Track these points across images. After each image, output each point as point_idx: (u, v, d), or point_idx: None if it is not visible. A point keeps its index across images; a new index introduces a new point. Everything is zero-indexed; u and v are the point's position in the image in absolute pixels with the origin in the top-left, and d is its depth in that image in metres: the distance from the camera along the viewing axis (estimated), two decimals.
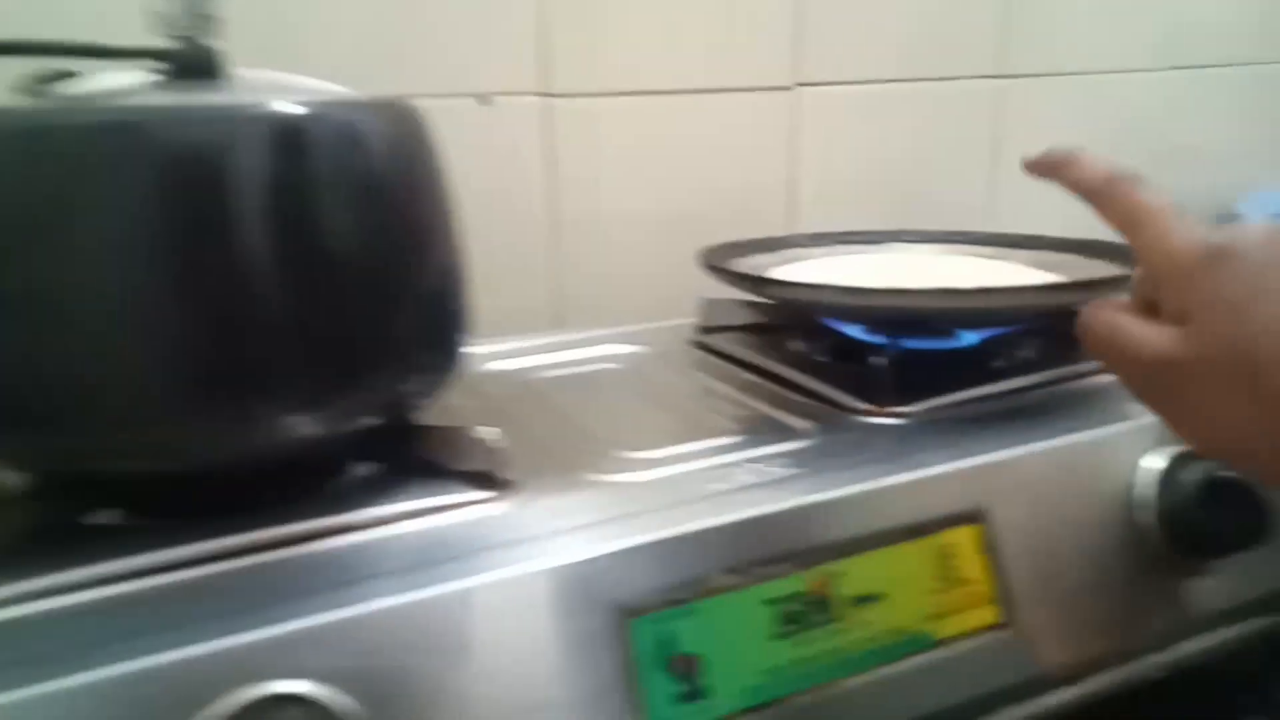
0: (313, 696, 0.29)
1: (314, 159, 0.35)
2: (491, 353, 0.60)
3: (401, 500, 0.37)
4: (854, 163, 0.83)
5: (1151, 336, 0.30)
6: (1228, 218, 0.96)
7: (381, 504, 0.36)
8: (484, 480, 0.38)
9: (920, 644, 0.37)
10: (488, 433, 0.38)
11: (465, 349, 0.42)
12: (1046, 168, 0.36)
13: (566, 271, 0.74)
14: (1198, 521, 0.40)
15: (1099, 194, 0.33)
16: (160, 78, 0.36)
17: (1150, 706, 0.44)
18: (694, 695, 0.33)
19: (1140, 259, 0.32)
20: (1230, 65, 0.97)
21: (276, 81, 0.38)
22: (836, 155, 0.82)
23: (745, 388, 0.52)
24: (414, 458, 0.40)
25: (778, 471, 0.39)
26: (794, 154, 0.80)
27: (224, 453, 0.36)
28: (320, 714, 0.29)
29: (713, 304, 0.63)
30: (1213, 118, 0.97)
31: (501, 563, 0.33)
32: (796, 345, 0.59)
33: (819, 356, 0.57)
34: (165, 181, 0.33)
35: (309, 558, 0.34)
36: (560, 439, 0.45)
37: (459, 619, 0.32)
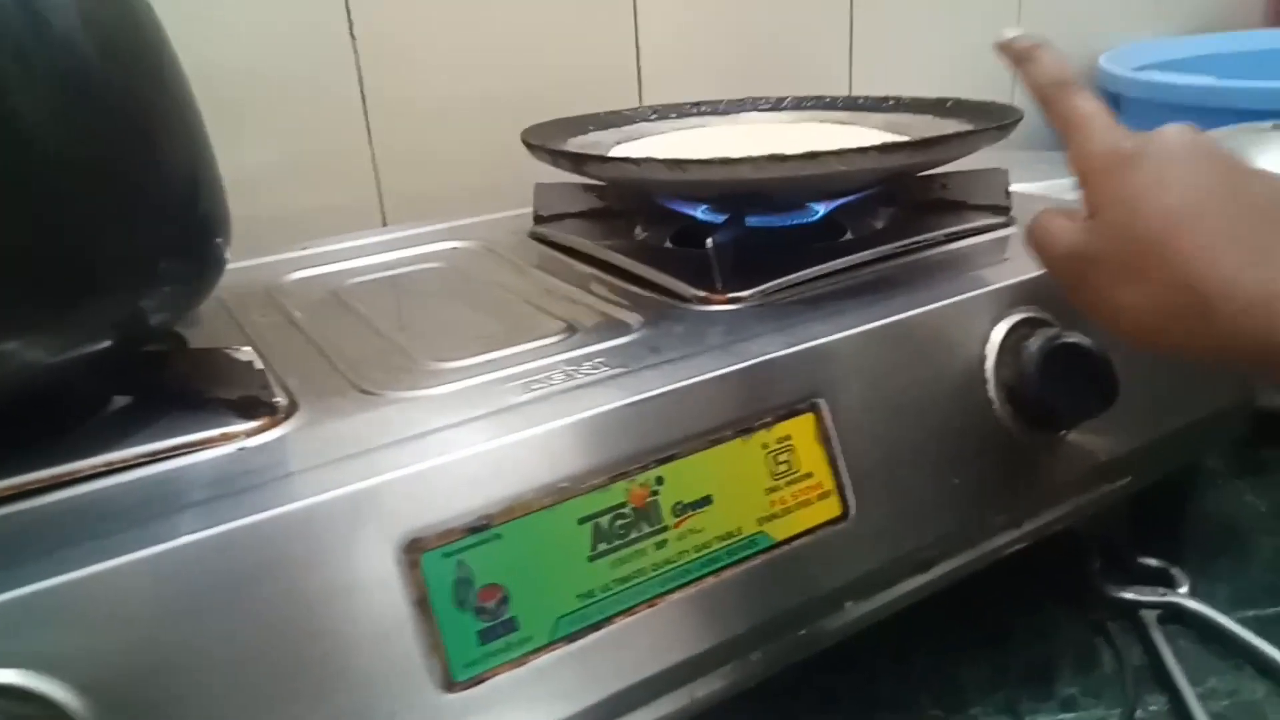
0: (19, 685, 0.24)
1: None
2: (298, 259, 0.54)
3: (147, 439, 0.31)
4: (703, 29, 0.77)
5: (1065, 232, 0.34)
6: (1090, 73, 0.95)
7: (123, 445, 0.31)
8: (248, 407, 0.33)
9: (756, 546, 0.34)
10: (246, 352, 0.33)
11: (221, 256, 0.36)
12: (1011, 55, 0.38)
13: (388, 164, 0.67)
14: (1040, 392, 0.38)
15: (1045, 96, 0.36)
16: None
17: (1003, 579, 0.43)
18: (501, 630, 0.29)
19: (1070, 161, 0.35)
20: None
21: None
22: (683, 22, 0.76)
23: (578, 281, 0.48)
24: (169, 386, 0.34)
25: (596, 373, 0.35)
26: (636, 21, 0.74)
27: None
28: (37, 708, 0.24)
29: (548, 190, 0.57)
30: None
31: (264, 502, 0.28)
32: (640, 231, 0.54)
33: (662, 242, 0.53)
34: None
35: (34, 515, 0.28)
36: (359, 352, 0.40)
37: (212, 572, 0.27)
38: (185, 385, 0.34)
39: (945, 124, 0.54)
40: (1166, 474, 0.47)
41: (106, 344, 0.32)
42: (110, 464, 0.30)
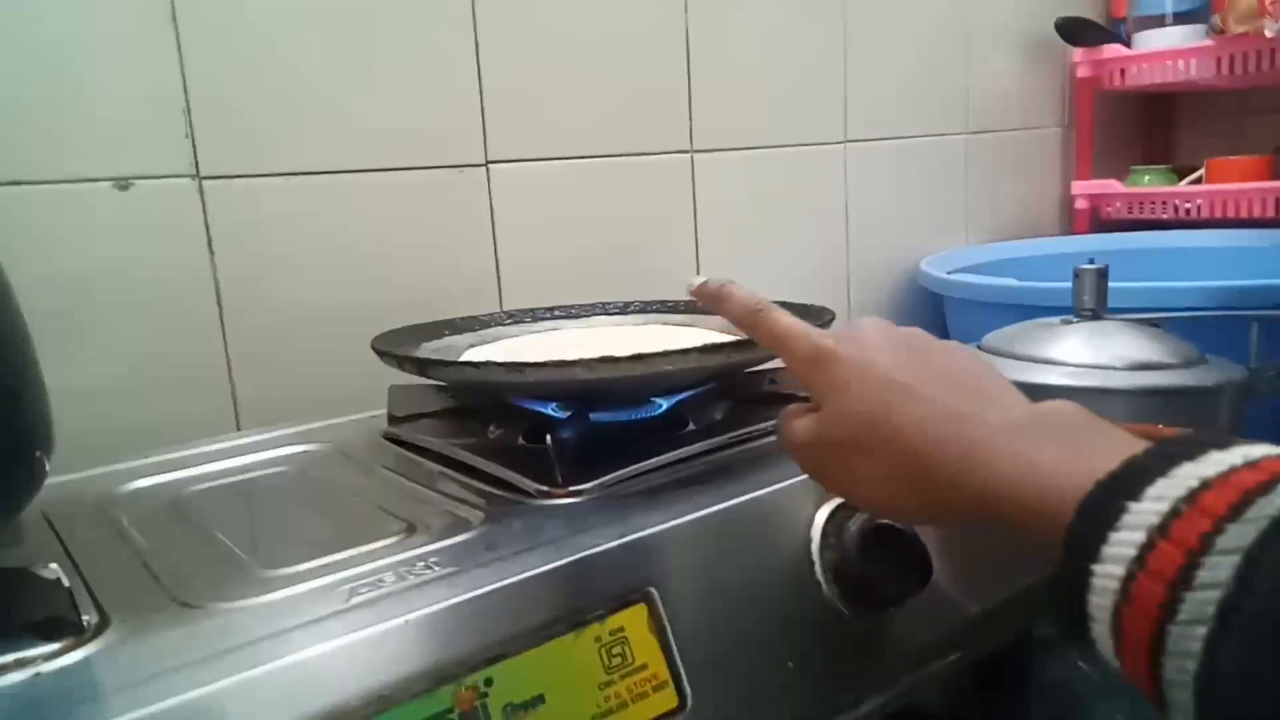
0: None
1: None
2: (141, 468, 0.52)
3: None
4: (557, 237, 0.83)
5: (801, 424, 0.36)
6: (914, 275, 1.05)
7: None
8: (51, 628, 0.31)
9: None
10: (51, 570, 0.32)
11: (40, 470, 0.35)
12: (705, 297, 0.42)
13: (244, 371, 0.67)
14: (860, 572, 0.40)
15: (747, 323, 0.40)
16: None
17: None
18: None
19: (786, 368, 0.38)
20: (908, 137, 1.07)
21: None
22: (538, 231, 0.81)
23: (426, 480, 0.48)
24: None
25: (429, 573, 0.35)
26: (494, 232, 0.79)
27: None
28: None
29: (401, 391, 0.59)
30: (886, 185, 1.06)
31: None
32: (493, 429, 0.56)
33: (515, 439, 0.54)
34: None
35: None
36: (185, 563, 0.39)
37: None
38: None
39: None
40: (999, 645, 0.49)
41: None
42: None
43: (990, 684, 0.51)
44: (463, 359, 0.54)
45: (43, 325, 0.57)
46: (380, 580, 0.35)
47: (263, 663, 0.29)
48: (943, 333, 1.01)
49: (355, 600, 0.33)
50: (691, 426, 0.54)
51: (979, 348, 0.71)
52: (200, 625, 0.33)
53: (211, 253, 0.65)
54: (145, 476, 0.51)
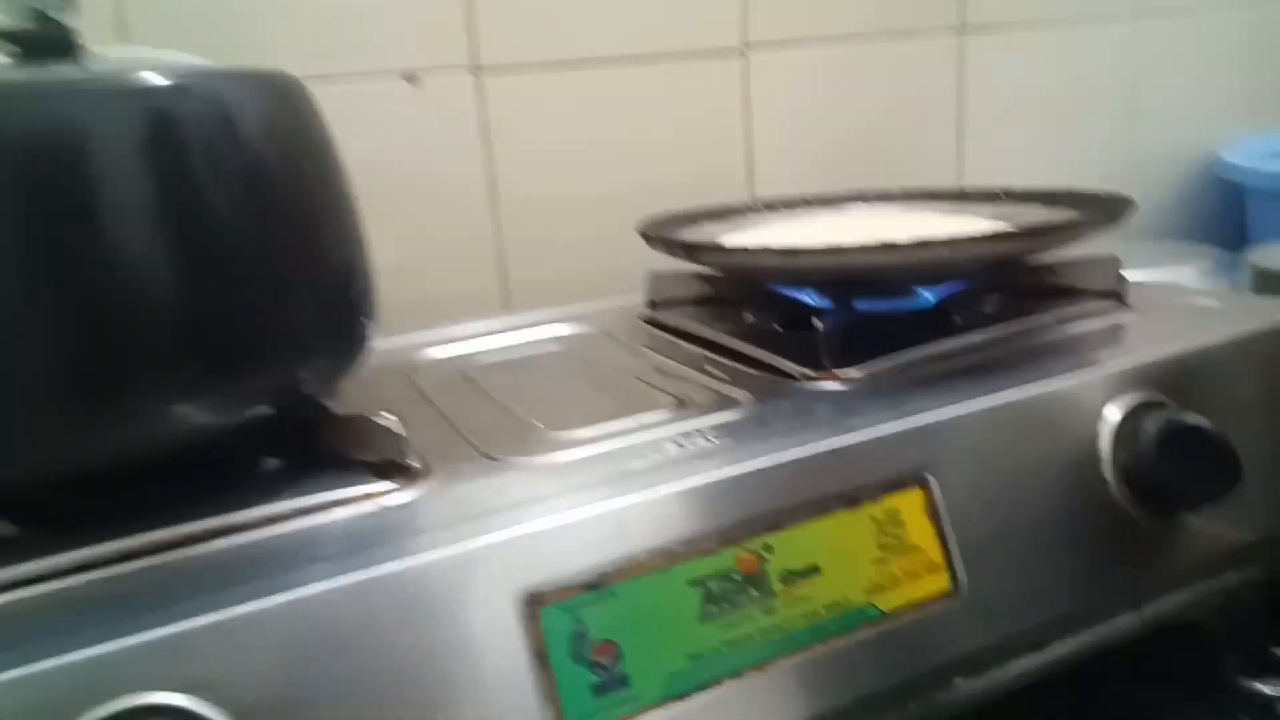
0: (184, 707, 0.27)
1: (181, 135, 0.33)
2: (428, 340, 0.58)
3: (297, 495, 0.34)
4: (814, 125, 0.80)
5: None
6: (1214, 166, 0.93)
7: (276, 500, 0.34)
8: (388, 469, 0.36)
9: (863, 617, 0.34)
10: (389, 420, 0.36)
11: (369, 335, 0.40)
12: None
13: (512, 254, 0.71)
14: (1159, 473, 0.38)
15: None
16: (10, 60, 0.34)
17: (1128, 669, 0.41)
18: (613, 684, 0.30)
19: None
20: (1199, 14, 0.94)
21: (140, 58, 0.35)
22: (794, 119, 0.79)
23: (690, 361, 0.50)
24: (318, 449, 0.37)
25: (708, 444, 0.37)
26: (747, 120, 0.78)
27: (107, 451, 0.33)
28: None
29: (660, 277, 0.60)
30: (1185, 68, 0.94)
31: (399, 553, 0.30)
32: (749, 316, 0.56)
33: (772, 325, 0.55)
34: (21, 164, 0.30)
35: (198, 560, 0.32)
36: (485, 423, 0.43)
37: (352, 616, 0.29)
38: (331, 449, 0.37)
39: (1054, 214, 0.55)
40: None
41: (265, 410, 0.36)
42: (262, 518, 0.33)
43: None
44: (721, 243, 0.54)
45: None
46: (662, 448, 0.37)
47: (567, 513, 0.32)
48: (1243, 233, 0.90)
49: (642, 463, 0.35)
50: (958, 321, 0.52)
51: None
52: (507, 476, 0.36)
53: (487, 143, 0.69)
54: (434, 346, 0.56)
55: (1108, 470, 0.39)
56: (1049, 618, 0.37)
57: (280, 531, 0.33)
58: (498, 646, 0.30)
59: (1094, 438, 0.40)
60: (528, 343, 0.57)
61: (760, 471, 0.34)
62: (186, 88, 0.33)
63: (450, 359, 0.55)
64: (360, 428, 0.37)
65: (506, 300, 0.72)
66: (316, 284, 0.37)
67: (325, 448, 0.38)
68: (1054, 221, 0.46)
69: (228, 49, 0.37)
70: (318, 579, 0.29)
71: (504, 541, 0.31)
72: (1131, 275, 0.73)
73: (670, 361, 0.50)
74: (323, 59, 0.63)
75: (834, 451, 0.35)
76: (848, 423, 0.37)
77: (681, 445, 0.37)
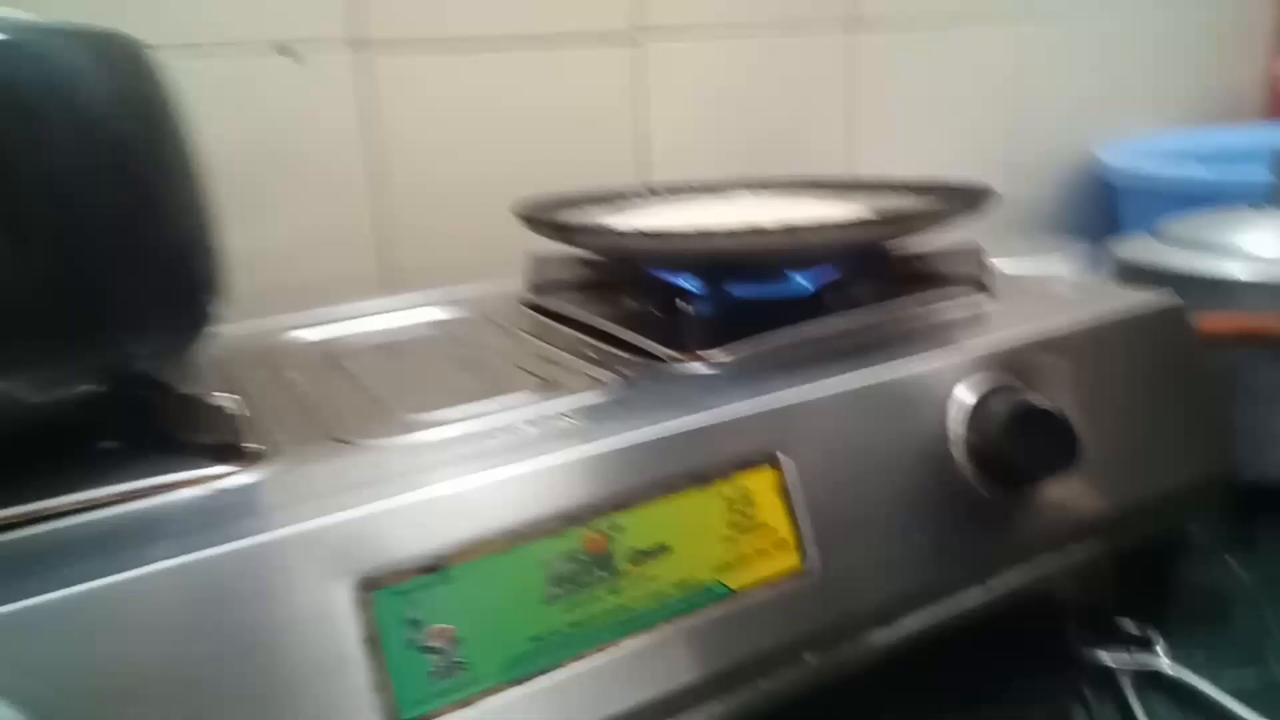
0: None
1: (3, 93, 0.31)
2: (298, 322, 0.56)
3: (126, 479, 0.32)
4: (708, 113, 0.81)
5: None
6: (1089, 164, 0.97)
7: (103, 484, 0.32)
8: (226, 452, 0.34)
9: (712, 595, 0.34)
10: (226, 399, 0.34)
11: (212, 313, 0.38)
12: None
13: (394, 237, 0.70)
14: (1004, 452, 0.39)
15: None
16: None
17: (977, 642, 0.42)
18: (449, 670, 0.30)
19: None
20: (1078, 20, 0.98)
21: None
22: (686, 106, 0.79)
23: (564, 345, 0.49)
24: (156, 432, 0.35)
25: (564, 425, 0.36)
26: (640, 106, 0.77)
27: None
28: None
29: (541, 261, 0.60)
30: (1065, 70, 0.97)
31: (223, 538, 0.29)
32: (629, 300, 0.56)
33: (650, 309, 0.54)
34: None
35: (7, 547, 0.30)
36: (340, 406, 0.41)
37: (172, 603, 0.28)
38: (168, 430, 0.36)
39: (924, 200, 0.56)
40: (1143, 541, 0.47)
41: (95, 388, 0.34)
42: (86, 502, 0.32)
43: (1129, 575, 0.49)
44: (591, 224, 0.54)
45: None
46: (518, 429, 0.36)
47: (407, 491, 0.31)
48: (1116, 228, 0.93)
49: (492, 444, 0.35)
50: (832, 303, 0.53)
51: (1154, 235, 0.66)
52: (354, 458, 0.35)
53: (368, 122, 0.67)
54: (302, 328, 0.55)
55: (957, 450, 0.40)
56: (897, 593, 0.38)
57: (102, 516, 0.31)
58: (329, 633, 0.29)
59: (945, 419, 0.40)
60: (401, 326, 0.56)
61: (611, 453, 0.34)
62: (10, 42, 0.31)
63: (318, 341, 0.53)
64: (197, 407, 0.35)
65: (388, 284, 0.70)
66: (153, 256, 0.35)
67: (163, 430, 0.36)
68: (913, 209, 0.46)
69: (82, 13, 0.34)
70: (134, 565, 0.28)
71: (336, 524, 0.30)
72: (1004, 265, 0.76)
73: (544, 345, 0.50)
74: (194, 27, 0.60)
75: (686, 432, 0.35)
76: (705, 402, 0.37)
77: (538, 426, 0.36)
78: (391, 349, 0.52)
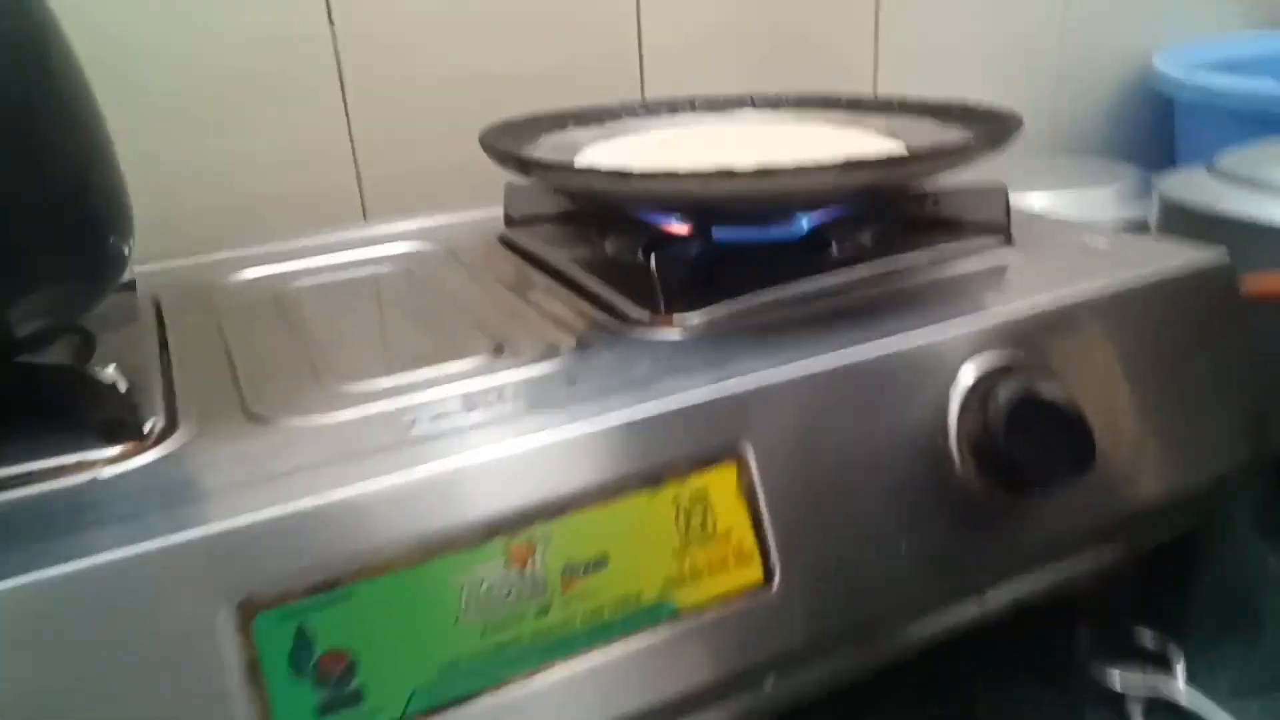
0: None
1: None
2: (252, 255, 0.51)
3: None
4: (715, 20, 0.73)
5: None
6: (1145, 73, 0.88)
7: None
8: (114, 430, 0.30)
9: (657, 615, 0.30)
10: (108, 375, 0.30)
11: (114, 258, 0.34)
12: None
13: (368, 150, 0.64)
14: (1005, 449, 0.34)
15: None
16: None
17: (976, 648, 0.39)
18: (342, 701, 0.26)
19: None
20: None
21: None
22: (692, 11, 0.72)
23: (530, 294, 0.45)
24: (38, 404, 0.32)
25: (499, 408, 0.32)
26: (639, 8, 0.70)
27: None
28: None
29: (519, 192, 0.54)
30: None
31: (81, 549, 0.25)
32: (610, 240, 0.50)
33: (633, 252, 0.49)
34: None
35: None
36: (269, 366, 0.37)
37: (25, 621, 0.24)
38: (56, 404, 0.32)
39: (945, 132, 0.49)
40: (1161, 543, 0.42)
41: None
42: None
43: (1149, 573, 0.44)
44: (576, 160, 0.48)
45: (159, 102, 0.56)
46: (445, 411, 0.32)
47: (305, 495, 0.27)
48: (1171, 150, 0.85)
49: (414, 433, 0.31)
50: (835, 252, 0.47)
51: (1209, 170, 0.58)
52: (262, 442, 0.31)
53: (331, 23, 0.61)
54: (256, 265, 0.50)
55: (953, 442, 0.35)
56: (877, 610, 0.34)
57: None
58: (204, 659, 0.25)
59: (942, 404, 0.35)
60: (362, 261, 0.51)
61: (542, 447, 0.30)
62: None
63: (267, 278, 0.49)
64: (81, 381, 0.31)
65: (363, 199, 0.65)
66: (26, 193, 0.30)
67: (51, 403, 0.32)
68: (915, 151, 0.40)
69: None
70: None
71: (213, 536, 0.26)
72: (1038, 200, 0.69)
73: (508, 294, 0.45)
74: None
75: (635, 418, 0.31)
76: (662, 384, 0.32)
77: (471, 408, 0.32)
78: (346, 291, 0.47)
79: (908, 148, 0.45)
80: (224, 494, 0.28)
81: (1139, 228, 0.66)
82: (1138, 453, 0.39)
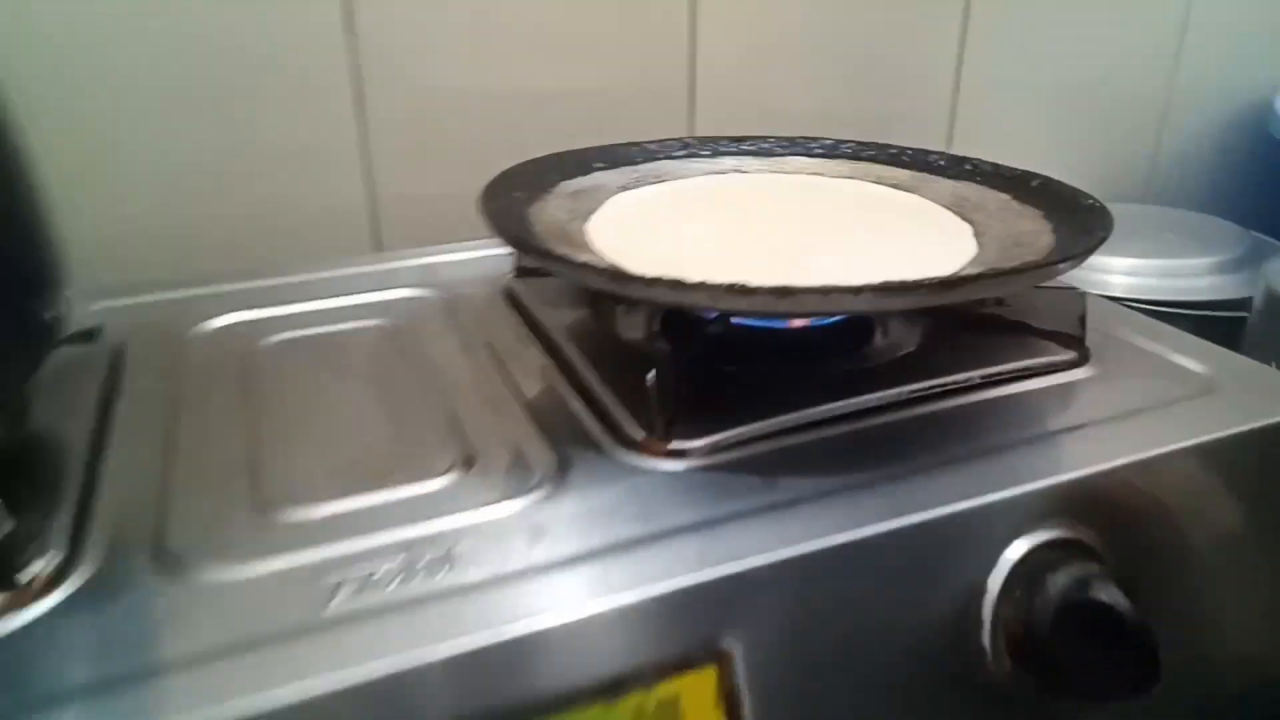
0: None
1: None
2: (227, 295, 0.47)
3: None
4: (779, 33, 0.66)
5: None
6: (1263, 115, 0.78)
7: None
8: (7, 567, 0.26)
9: None
10: None
11: (41, 324, 0.29)
12: None
13: (384, 161, 0.59)
14: (1050, 653, 0.28)
15: None
16: None
17: None
18: None
19: None
20: None
21: None
22: (750, 36, 0.65)
23: (520, 378, 0.39)
24: None
25: (434, 579, 0.27)
26: (691, 27, 0.63)
27: None
28: None
29: None
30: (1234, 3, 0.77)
31: None
32: (624, 310, 0.45)
33: (648, 327, 0.43)
34: None
35: None
36: (206, 477, 0.33)
37: None
38: None
39: (1021, 213, 0.42)
40: None
41: None
42: None
43: None
44: (586, 228, 0.42)
45: (160, 103, 0.51)
46: (377, 578, 0.27)
47: (176, 696, 0.22)
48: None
49: (331, 608, 0.26)
50: (873, 350, 0.41)
51: None
52: (153, 605, 0.26)
53: (353, 30, 0.56)
54: (234, 310, 0.46)
55: (986, 637, 0.29)
56: None
57: None
58: None
59: (979, 587, 0.29)
60: (351, 308, 0.47)
61: (474, 654, 0.24)
62: None
63: (241, 326, 0.45)
64: None
65: (376, 227, 0.61)
66: None
67: None
68: (969, 273, 0.34)
69: None
70: None
71: None
72: (1125, 264, 0.61)
73: (495, 375, 0.40)
74: None
75: (593, 619, 0.26)
76: (643, 554, 0.27)
77: (410, 575, 0.27)
78: (320, 354, 0.42)
79: (971, 258, 0.38)
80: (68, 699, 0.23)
81: (1239, 306, 0.58)
82: (1222, 647, 0.33)
